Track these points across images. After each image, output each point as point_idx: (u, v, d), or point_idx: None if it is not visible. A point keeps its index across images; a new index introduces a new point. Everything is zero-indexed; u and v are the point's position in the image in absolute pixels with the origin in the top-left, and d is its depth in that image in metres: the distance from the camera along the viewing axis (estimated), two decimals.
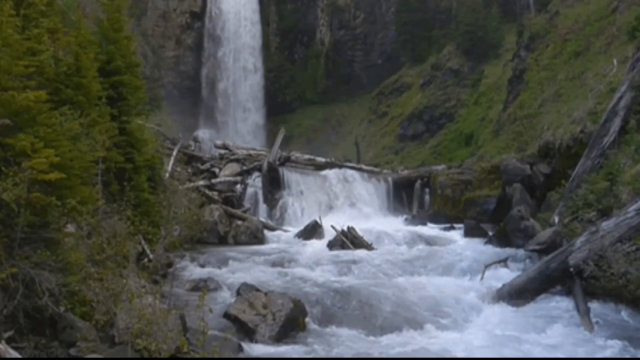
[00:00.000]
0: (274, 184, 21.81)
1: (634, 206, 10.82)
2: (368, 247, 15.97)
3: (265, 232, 18.29)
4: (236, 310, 9.22)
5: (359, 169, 24.92)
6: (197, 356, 6.99)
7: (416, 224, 20.33)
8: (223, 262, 13.74)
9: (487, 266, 12.42)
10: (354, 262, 13.71)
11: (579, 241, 11.04)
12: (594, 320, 9.75)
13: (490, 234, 16.44)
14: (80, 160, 7.84)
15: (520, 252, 13.18)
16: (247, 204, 20.72)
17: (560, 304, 10.62)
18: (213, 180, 20.89)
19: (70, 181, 7.18)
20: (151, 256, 11.40)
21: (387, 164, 34.30)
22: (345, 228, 16.73)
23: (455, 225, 19.20)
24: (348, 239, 16.18)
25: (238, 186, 21.28)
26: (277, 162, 22.47)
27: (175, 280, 10.73)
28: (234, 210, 19.27)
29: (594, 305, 10.23)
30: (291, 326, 9.24)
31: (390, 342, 9.09)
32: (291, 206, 21.38)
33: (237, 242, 17.29)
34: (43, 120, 7.14)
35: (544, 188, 17.32)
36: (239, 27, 50.78)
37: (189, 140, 25.32)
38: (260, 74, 50.27)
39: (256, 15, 51.33)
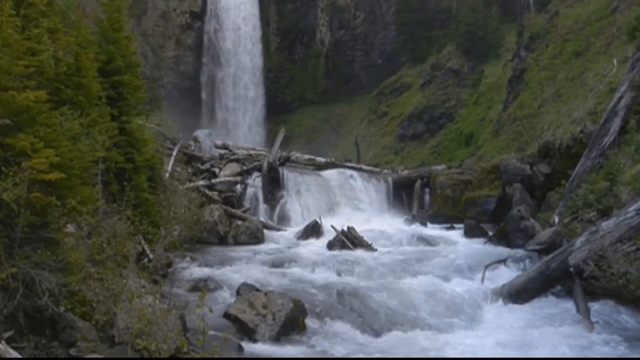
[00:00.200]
0: (274, 184, 21.79)
1: (634, 206, 10.82)
2: (368, 247, 15.96)
3: (265, 232, 18.28)
4: (236, 310, 9.22)
5: (359, 169, 24.90)
6: (197, 356, 6.99)
7: (416, 224, 20.32)
8: (223, 262, 13.73)
9: (487, 266, 12.42)
10: (354, 262, 13.70)
11: (579, 241, 11.04)
12: (594, 320, 9.75)
13: (490, 234, 16.44)
14: (80, 160, 7.84)
15: (520, 252, 13.17)
16: (247, 204, 20.70)
17: (560, 304, 10.62)
18: (213, 180, 20.87)
19: (70, 181, 7.18)
20: (151, 256, 11.40)
21: (387, 164, 34.29)
22: (345, 228, 16.72)
23: (455, 225, 19.19)
24: (348, 239, 16.17)
25: (238, 186, 21.27)
26: (277, 162, 22.45)
27: (175, 280, 10.73)
28: (234, 210, 19.26)
29: (594, 305, 10.23)
30: (291, 326, 9.24)
31: (390, 342, 9.10)
32: (291, 206, 21.36)
33: (237, 242, 17.28)
34: (43, 120, 7.14)
35: (544, 188, 17.32)
36: (239, 27, 50.77)
37: (189, 140, 25.28)
38: (260, 74, 50.26)
39: (256, 15, 51.32)
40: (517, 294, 10.93)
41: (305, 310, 9.75)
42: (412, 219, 21.39)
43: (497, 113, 33.50)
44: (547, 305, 10.68)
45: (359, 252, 15.26)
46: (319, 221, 18.42)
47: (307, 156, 25.95)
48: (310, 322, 9.66)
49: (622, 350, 8.61)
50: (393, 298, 10.69)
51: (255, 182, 21.56)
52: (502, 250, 13.91)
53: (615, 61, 18.85)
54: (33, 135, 6.83)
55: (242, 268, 13.13)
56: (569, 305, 10.47)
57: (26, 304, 6.49)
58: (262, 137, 47.43)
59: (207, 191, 19.71)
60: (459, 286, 11.78)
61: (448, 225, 19.68)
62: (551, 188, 16.20)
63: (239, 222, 18.34)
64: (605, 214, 11.95)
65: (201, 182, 20.15)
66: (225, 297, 10.56)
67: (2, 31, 6.98)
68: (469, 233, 17.49)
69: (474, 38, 42.99)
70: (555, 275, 11.08)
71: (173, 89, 48.13)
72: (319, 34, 52.21)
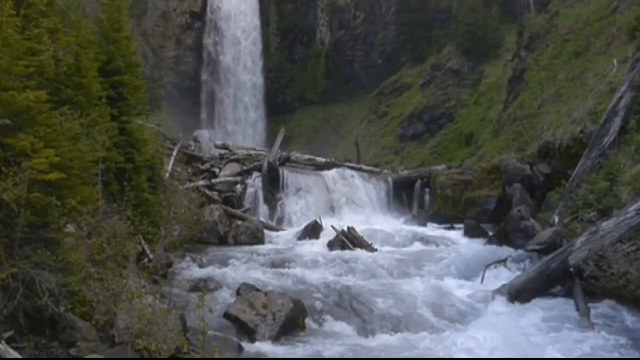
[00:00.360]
0: (274, 184, 21.80)
1: (634, 206, 10.82)
2: (368, 247, 15.97)
3: (265, 232, 18.29)
4: (236, 310, 9.22)
5: (359, 169, 24.91)
6: (197, 356, 6.99)
7: (416, 224, 20.33)
8: (223, 262, 13.74)
9: (487, 266, 12.42)
10: (354, 262, 13.71)
11: (579, 241, 11.04)
12: (593, 320, 9.75)
13: (490, 234, 16.44)
14: (80, 160, 7.84)
15: (520, 252, 13.16)
16: (247, 204, 20.71)
17: (560, 304, 10.61)
18: (213, 180, 20.88)
19: (70, 181, 7.18)
20: (151, 256, 11.39)
21: (387, 164, 34.31)
22: (345, 228, 16.73)
23: (455, 225, 19.21)
24: (348, 239, 16.18)
25: (238, 186, 21.27)
26: (277, 162, 22.46)
27: (175, 280, 10.74)
28: (234, 210, 19.27)
29: (594, 305, 10.23)
30: (291, 326, 9.24)
31: (390, 342, 9.10)
32: (291, 206, 21.37)
33: (237, 242, 17.29)
34: (43, 120, 7.14)
35: (544, 188, 17.32)
36: (239, 27, 50.77)
37: (189, 140, 25.30)
38: (261, 73, 50.26)
39: (256, 15, 51.34)
40: (517, 294, 10.93)
41: (305, 310, 9.76)
42: (412, 219, 21.40)
43: (497, 113, 33.50)
44: (547, 305, 10.66)
45: (359, 252, 15.27)
46: (318, 221, 18.43)
47: (307, 156, 25.95)
48: (310, 322, 9.67)
49: (622, 350, 8.60)
50: (393, 298, 10.69)
51: (255, 182, 21.56)
52: (502, 250, 13.90)
53: (615, 61, 18.86)
54: (33, 135, 6.83)
55: (242, 268, 13.14)
56: (569, 305, 10.46)
57: (26, 304, 6.49)
58: (262, 137, 47.45)
59: (207, 191, 19.72)
60: (458, 286, 11.79)
61: (448, 225, 19.70)
62: (551, 188, 16.20)
63: (239, 222, 18.35)
64: (605, 214, 11.95)
65: (201, 182, 20.15)
66: (225, 297, 10.56)
67: (2, 31, 6.98)
68: (469, 233, 17.51)
69: (474, 38, 42.99)
70: (555, 275, 11.07)
71: (173, 89, 48.13)
72: (319, 34, 52.21)
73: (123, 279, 7.82)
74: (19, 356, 6.06)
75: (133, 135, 12.77)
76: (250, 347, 8.52)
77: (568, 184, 14.61)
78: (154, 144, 15.48)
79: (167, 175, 16.93)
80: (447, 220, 20.51)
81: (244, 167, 22.13)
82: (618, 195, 12.15)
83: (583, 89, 20.00)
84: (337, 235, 16.53)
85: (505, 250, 13.84)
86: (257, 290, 10.17)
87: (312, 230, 18.11)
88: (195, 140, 25.80)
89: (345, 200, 22.42)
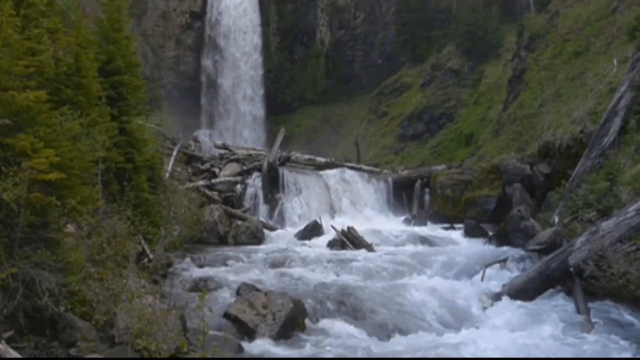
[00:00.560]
0: (274, 184, 21.80)
1: (634, 206, 10.82)
2: (368, 247, 15.97)
3: (265, 232, 18.30)
4: (236, 310, 9.22)
5: (359, 169, 24.92)
6: (197, 356, 6.99)
7: (416, 224, 20.34)
8: (223, 262, 13.74)
9: (487, 266, 12.41)
10: (354, 262, 13.70)
11: (579, 241, 11.04)
12: (594, 320, 9.75)
13: (490, 234, 16.44)
14: (80, 160, 7.84)
15: (520, 252, 13.17)
16: (247, 204, 20.72)
17: (560, 304, 10.61)
18: (213, 180, 20.89)
19: (70, 181, 7.18)
20: (151, 256, 11.39)
21: (387, 164, 34.31)
22: (345, 228, 16.74)
23: (455, 225, 19.21)
24: (348, 239, 16.18)
25: (238, 186, 21.28)
26: (277, 162, 22.46)
27: (175, 280, 10.74)
28: (234, 210, 19.27)
29: (594, 305, 10.23)
30: (291, 326, 9.24)
31: (390, 342, 9.10)
32: (291, 206, 21.37)
33: (237, 242, 17.29)
34: (43, 120, 7.14)
35: (544, 188, 17.32)
36: (239, 27, 50.77)
37: (189, 140, 25.31)
38: (261, 74, 50.26)
39: (256, 15, 51.34)
40: (517, 294, 10.93)
41: (305, 310, 9.75)
42: (412, 219, 21.41)
43: (497, 113, 33.50)
44: (547, 305, 10.67)
45: (359, 252, 15.27)
46: (319, 221, 18.43)
47: (307, 156, 25.97)
48: (310, 322, 9.67)
49: (622, 350, 8.60)
50: (393, 298, 10.70)
51: (255, 182, 21.58)
52: (502, 250, 13.90)
53: (615, 61, 18.85)
54: (33, 135, 6.83)
55: (242, 268, 13.14)
56: (569, 305, 10.47)
57: (26, 304, 6.49)
58: (262, 137, 47.45)
59: (207, 191, 19.73)
60: (458, 286, 11.77)
61: (448, 225, 19.70)
62: (551, 188, 16.20)
63: (239, 222, 18.35)
64: (605, 214, 11.95)
65: (201, 182, 20.16)
66: (225, 297, 10.56)
67: (2, 31, 6.98)
68: (469, 233, 17.51)
69: (474, 38, 42.99)
70: (555, 275, 11.07)
71: (173, 89, 48.14)
72: (319, 34, 52.21)
73: (123, 279, 7.82)
74: (19, 356, 6.06)
75: (133, 135, 12.77)
76: (250, 347, 8.52)
77: (568, 184, 14.60)
78: (154, 144, 15.48)
79: (167, 175, 16.94)
80: (447, 220, 20.51)
81: (244, 167, 22.14)
82: (618, 195, 12.15)
83: (583, 89, 20.00)
84: (337, 235, 16.54)
85: (505, 250, 13.84)
86: (257, 290, 10.16)
87: (312, 230, 18.12)
88: (195, 140, 25.82)
89: (345, 200, 22.44)
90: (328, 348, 8.67)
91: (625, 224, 10.65)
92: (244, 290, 10.15)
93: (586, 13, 28.58)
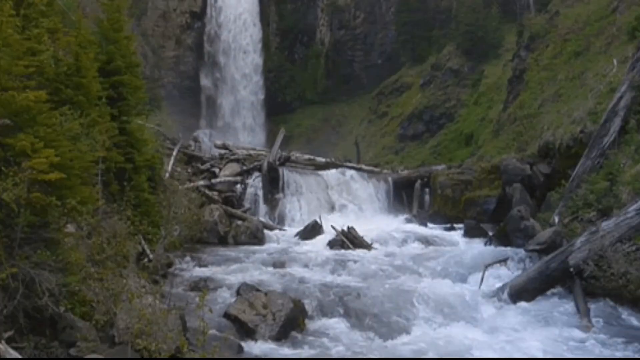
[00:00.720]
0: (274, 184, 21.80)
1: (634, 206, 10.82)
2: (368, 247, 15.97)
3: (265, 232, 18.29)
4: (236, 310, 9.22)
5: (359, 169, 24.91)
6: (197, 356, 6.99)
7: (416, 224, 20.32)
8: (223, 262, 13.74)
9: (487, 266, 12.40)
10: (354, 262, 13.71)
11: (579, 241, 11.04)
12: (594, 320, 9.75)
13: (490, 234, 16.43)
14: (80, 160, 7.84)
15: (520, 252, 13.16)
16: (247, 204, 20.72)
17: (560, 304, 10.61)
18: (213, 180, 20.89)
19: (70, 181, 7.18)
20: (151, 256, 11.40)
21: (387, 164, 34.31)
22: (345, 228, 16.74)
23: (455, 225, 19.20)
24: (348, 239, 16.18)
25: (238, 186, 21.28)
26: (277, 162, 22.46)
27: (175, 280, 10.74)
28: (234, 210, 19.27)
29: (594, 305, 10.23)
30: (291, 326, 9.24)
31: (390, 342, 9.10)
32: (291, 206, 21.38)
33: (237, 242, 17.29)
34: (43, 120, 7.14)
35: (544, 188, 17.32)
36: (239, 26, 50.78)
37: (189, 140, 25.32)
38: (261, 74, 50.26)
39: (256, 15, 51.34)
40: (517, 294, 10.93)
41: (305, 310, 9.76)
42: (412, 219, 21.40)
43: (497, 113, 33.49)
44: (547, 305, 10.67)
45: (359, 252, 15.28)
46: (319, 221, 18.43)
47: (307, 156, 25.96)
48: (310, 322, 9.67)
49: (621, 350, 8.61)
50: (393, 298, 10.69)
51: (255, 182, 21.58)
52: (502, 251, 13.91)
53: (615, 61, 18.85)
54: (33, 135, 6.83)
55: (242, 268, 13.14)
56: (569, 305, 10.47)
57: (26, 304, 6.49)
58: (262, 137, 47.45)
59: (207, 191, 19.72)
60: (458, 286, 11.78)
61: (448, 225, 19.69)
62: (551, 188, 16.20)
63: (239, 222, 18.35)
64: (605, 214, 11.95)
65: (201, 182, 20.15)
66: (225, 297, 10.56)
67: (2, 31, 6.98)
68: (469, 233, 17.51)
69: (474, 38, 42.99)
70: (555, 275, 11.07)
71: (173, 89, 48.16)
72: (319, 34, 52.22)
73: (123, 279, 7.82)
74: (19, 356, 6.06)
75: (133, 135, 12.77)
76: (250, 347, 8.52)
77: (568, 184, 14.60)
78: (154, 144, 15.48)
79: (167, 175, 16.94)
80: (447, 220, 20.50)
81: (244, 167, 22.13)
82: (618, 195, 12.15)
83: (583, 89, 20.00)
84: (337, 235, 16.54)
85: (505, 250, 13.84)
86: (257, 290, 10.16)
87: (312, 230, 18.12)
88: (195, 140, 25.82)
89: (345, 200, 22.44)
90: (328, 348, 8.68)
91: (625, 224, 10.65)
92: (244, 290, 10.15)
93: (586, 13, 28.58)
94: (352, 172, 24.01)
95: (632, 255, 10.20)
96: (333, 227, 17.09)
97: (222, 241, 17.30)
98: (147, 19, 49.31)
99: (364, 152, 41.28)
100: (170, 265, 12.49)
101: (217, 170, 21.90)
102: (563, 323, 9.68)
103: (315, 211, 20.59)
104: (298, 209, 21.36)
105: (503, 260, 12.85)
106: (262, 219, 20.05)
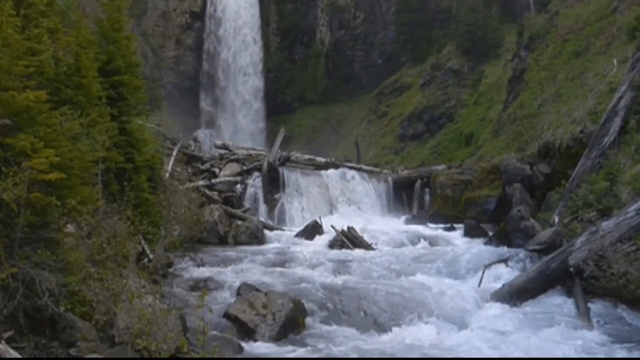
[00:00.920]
0: (274, 184, 21.81)
1: (634, 206, 10.82)
2: (368, 247, 15.97)
3: (265, 232, 18.28)
4: (236, 310, 9.22)
5: (359, 169, 24.92)
6: (197, 356, 6.99)
7: (416, 224, 20.32)
8: (223, 262, 13.73)
9: (487, 266, 12.40)
10: (354, 262, 13.70)
11: (579, 241, 11.04)
12: (593, 320, 9.75)
13: (490, 234, 16.42)
14: (80, 160, 7.84)
15: (520, 252, 13.15)
16: (247, 204, 20.72)
17: (560, 304, 10.61)
18: (213, 180, 20.88)
19: (70, 181, 7.18)
20: (151, 256, 11.39)
21: (387, 164, 34.32)
22: (345, 228, 16.73)
23: (455, 225, 19.19)
24: (348, 239, 16.18)
25: (238, 186, 21.28)
26: (277, 162, 22.47)
27: (175, 280, 10.74)
28: (234, 210, 19.27)
29: (594, 305, 10.23)
30: (291, 326, 9.23)
31: (390, 342, 9.10)
32: (291, 206, 21.38)
33: (237, 242, 17.28)
34: (43, 120, 7.14)
35: (544, 188, 17.32)
36: (239, 26, 50.78)
37: (189, 140, 25.32)
38: (261, 74, 50.26)
39: (256, 14, 51.34)
40: (517, 294, 10.92)
41: (305, 310, 9.75)
42: (412, 219, 21.41)
43: (497, 113, 33.50)
44: (547, 305, 10.67)
45: (359, 252, 15.27)
46: (319, 221, 18.42)
47: (307, 156, 25.97)
48: (311, 322, 9.66)
49: (621, 350, 8.61)
50: (393, 298, 10.69)
51: (255, 182, 21.58)
52: (502, 250, 13.90)
53: (615, 61, 18.85)
54: (33, 135, 6.83)
55: (242, 268, 13.13)
56: (569, 305, 10.46)
57: (26, 304, 6.49)
58: (262, 137, 47.44)
59: (207, 191, 19.72)
60: (458, 286, 11.78)
61: (448, 225, 19.69)
62: (551, 188, 16.20)
63: (239, 222, 18.35)
64: (605, 214, 11.94)
65: (201, 182, 20.15)
66: (225, 297, 10.56)
67: (2, 31, 6.98)
68: (469, 233, 17.50)
69: (474, 38, 43.00)
70: (555, 275, 11.07)
71: (173, 89, 48.15)
72: (319, 34, 52.22)
73: (123, 279, 7.82)
74: (19, 356, 6.06)
75: (133, 135, 12.77)
76: (250, 347, 8.52)
77: (568, 184, 14.60)
78: (154, 144, 15.48)
79: (167, 175, 16.93)
80: (447, 220, 20.50)
81: (244, 167, 22.13)
82: (618, 195, 12.15)
83: (583, 89, 20.00)
84: (337, 235, 16.53)
85: (505, 250, 13.84)
86: (257, 290, 10.16)
87: (312, 230, 18.11)
88: (195, 140, 25.82)
89: (345, 200, 22.44)
90: (328, 348, 8.67)
91: (625, 224, 10.64)
92: (244, 290, 10.14)
93: (586, 13, 28.58)
94: (352, 172, 24.01)
95: (632, 255, 10.19)
96: (333, 227, 17.09)
97: (222, 241, 17.30)
98: (147, 19, 49.31)
99: (364, 152, 41.29)
100: (170, 265, 12.48)
101: (217, 170, 21.90)
102: (563, 323, 9.67)
103: (315, 211, 20.60)
104: (298, 209, 21.37)
105: (503, 260, 12.85)
106: (262, 219, 20.04)
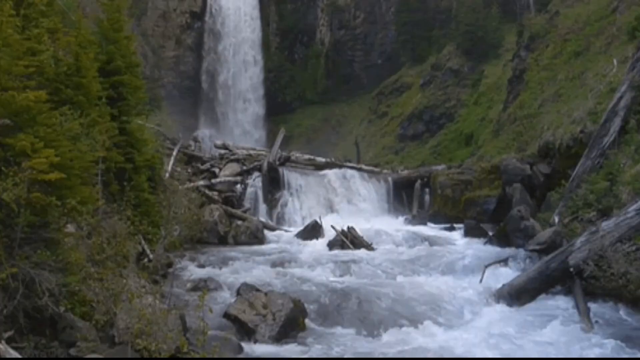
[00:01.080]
0: (274, 184, 21.81)
1: (634, 206, 10.82)
2: (368, 247, 15.97)
3: (265, 232, 18.29)
4: (236, 310, 9.22)
5: (359, 169, 24.92)
6: (197, 356, 6.99)
7: (416, 224, 20.32)
8: (223, 262, 13.74)
9: (487, 266, 12.41)
10: (354, 262, 13.70)
11: (579, 241, 11.04)
12: (593, 320, 9.75)
13: (490, 234, 16.43)
14: (80, 160, 7.84)
15: (520, 252, 13.17)
16: (247, 204, 20.72)
17: (560, 304, 10.61)
18: (213, 180, 20.89)
19: (70, 181, 7.18)
20: (151, 256, 11.40)
21: (387, 164, 34.31)
22: (345, 228, 16.73)
23: (455, 225, 19.19)
24: (348, 239, 16.18)
25: (238, 186, 21.28)
26: (277, 162, 22.47)
27: (175, 280, 10.73)
28: (234, 210, 19.27)
29: (594, 305, 10.23)
30: (291, 326, 9.23)
31: (390, 342, 9.09)
32: (291, 206, 21.37)
33: (237, 242, 17.29)
34: (43, 120, 7.15)
35: (544, 188, 17.32)
36: (239, 26, 50.80)
37: (189, 140, 25.34)
38: (261, 74, 50.26)
39: (256, 14, 51.34)
40: (517, 294, 10.93)
41: (305, 310, 9.75)
42: (412, 219, 21.40)
43: (497, 113, 33.50)
44: (547, 305, 10.67)
45: (359, 252, 15.26)
46: (319, 221, 18.42)
47: (307, 156, 25.97)
48: (310, 322, 9.67)
49: (621, 350, 8.60)
50: (392, 298, 10.69)
51: (255, 182, 21.58)
52: (502, 250, 13.91)
53: (615, 61, 18.85)
54: (33, 135, 6.83)
55: (242, 268, 13.14)
56: (569, 305, 10.46)
57: (26, 304, 6.49)
58: (262, 137, 47.45)
59: (207, 191, 19.73)
60: (458, 286, 11.78)
61: (448, 225, 19.68)
62: (551, 188, 16.20)
63: (239, 222, 18.35)
64: (605, 214, 11.94)
65: (201, 182, 20.16)
66: (225, 297, 10.57)
67: (2, 31, 6.98)
68: (469, 233, 17.50)
69: (474, 38, 42.99)
70: (555, 275, 11.07)
71: (173, 89, 48.15)
72: (319, 34, 52.21)
73: (123, 279, 7.82)
74: (19, 356, 6.06)
75: (133, 135, 12.78)
76: (250, 347, 8.52)
77: (568, 184, 14.60)
78: (154, 144, 15.49)
79: (167, 175, 16.94)
80: (447, 220, 20.50)
81: (244, 167, 22.14)
82: (618, 195, 12.15)
83: (583, 89, 20.00)
84: (337, 235, 16.53)
85: (505, 250, 13.84)
86: (257, 290, 10.16)
87: (312, 230, 18.11)
88: (195, 140, 25.84)
89: (345, 201, 22.43)
90: (328, 348, 8.68)
91: (625, 224, 10.64)
92: (244, 290, 10.15)
93: (586, 13, 28.58)
94: (352, 172, 24.01)
95: (632, 255, 10.19)
96: (333, 227, 17.09)
97: (222, 241, 17.30)
98: (147, 19, 49.31)
99: (364, 152, 41.28)
100: (170, 265, 12.48)
101: (217, 170, 21.90)
102: (563, 323, 9.67)
103: (315, 211, 20.59)
104: (298, 209, 21.36)
105: (503, 260, 12.85)
106: (262, 219, 20.05)
